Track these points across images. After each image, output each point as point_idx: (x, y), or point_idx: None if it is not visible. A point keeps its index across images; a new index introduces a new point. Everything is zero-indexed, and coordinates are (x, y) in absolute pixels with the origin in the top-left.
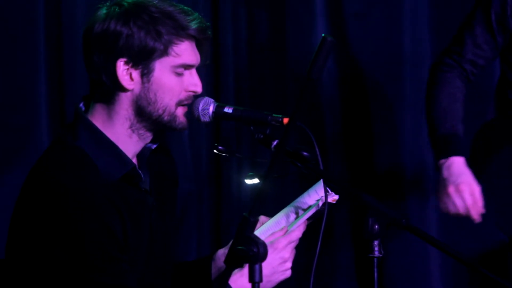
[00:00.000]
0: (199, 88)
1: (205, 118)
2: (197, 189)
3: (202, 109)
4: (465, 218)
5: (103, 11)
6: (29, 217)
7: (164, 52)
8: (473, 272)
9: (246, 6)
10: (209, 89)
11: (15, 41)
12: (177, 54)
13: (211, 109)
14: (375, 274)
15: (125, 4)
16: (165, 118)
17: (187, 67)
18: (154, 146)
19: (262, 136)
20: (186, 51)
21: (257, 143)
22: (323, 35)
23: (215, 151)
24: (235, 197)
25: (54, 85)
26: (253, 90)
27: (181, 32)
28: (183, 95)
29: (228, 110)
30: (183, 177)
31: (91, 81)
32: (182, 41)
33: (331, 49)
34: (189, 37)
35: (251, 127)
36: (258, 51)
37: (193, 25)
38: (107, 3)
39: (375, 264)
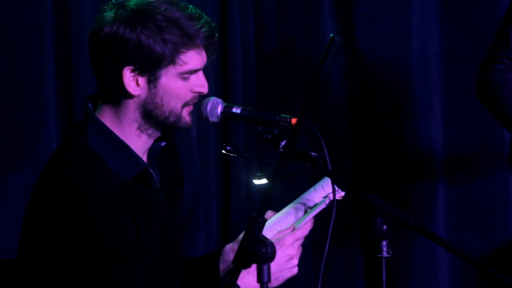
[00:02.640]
0: (205, 89)
1: (213, 119)
2: (205, 189)
3: (210, 110)
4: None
5: (111, 14)
6: (41, 217)
7: (171, 61)
8: (481, 272)
9: (254, 6)
10: (217, 89)
11: (23, 40)
12: (184, 62)
13: (219, 109)
14: (384, 275)
15: (131, 8)
16: (171, 119)
17: (193, 72)
18: (163, 143)
19: (270, 136)
20: (193, 59)
21: (265, 143)
22: (331, 35)
23: (223, 151)
24: (243, 197)
25: (62, 84)
26: (262, 90)
27: (188, 41)
28: (189, 96)
29: (236, 110)
30: (191, 177)
31: (98, 83)
32: (188, 50)
33: (339, 49)
34: (196, 45)
35: (259, 127)
36: (266, 51)
37: (201, 33)
38: (113, 1)
39: (384, 264)
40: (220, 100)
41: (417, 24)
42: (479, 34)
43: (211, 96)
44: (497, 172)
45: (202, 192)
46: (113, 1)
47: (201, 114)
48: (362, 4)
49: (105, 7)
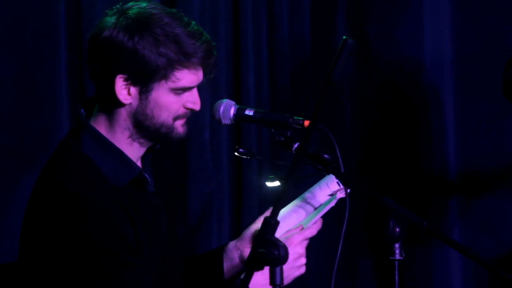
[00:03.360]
0: (197, 107)
1: (226, 121)
2: (217, 191)
3: (223, 112)
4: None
5: (112, 19)
6: (40, 226)
7: (164, 76)
8: (494, 275)
9: (267, 8)
10: (230, 91)
11: (35, 44)
12: (177, 79)
13: (232, 111)
14: (396, 277)
15: (133, 17)
16: (163, 130)
17: (186, 89)
18: (157, 146)
19: (283, 139)
20: (187, 76)
21: (278, 146)
22: (344, 37)
23: (236, 153)
24: (256, 200)
25: (75, 87)
26: (274, 93)
27: (184, 59)
28: (181, 111)
29: (249, 112)
30: (203, 179)
31: (95, 87)
32: (184, 67)
33: (352, 51)
34: (193, 63)
35: (272, 130)
36: (279, 53)
37: (198, 52)
38: (117, 6)
39: (396, 267)
40: (233, 103)
41: (429, 27)
42: (493, 37)
43: (223, 98)
44: (511, 174)
45: (215, 194)
46: (117, 6)
47: (214, 116)
48: (375, 6)
49: (108, 11)
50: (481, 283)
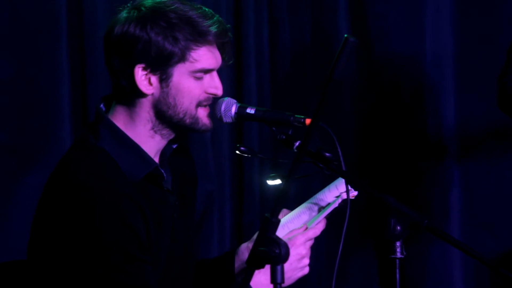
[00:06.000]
0: (219, 91)
1: (227, 119)
2: (219, 189)
3: (224, 110)
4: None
5: (123, 14)
6: (52, 217)
7: (182, 58)
8: (495, 274)
9: (268, 7)
10: (231, 90)
11: (37, 42)
12: (195, 59)
13: (233, 110)
14: (397, 275)
15: (144, 8)
16: (187, 121)
17: (206, 71)
18: (175, 145)
19: (284, 137)
20: (204, 56)
21: (279, 144)
22: (345, 35)
23: (237, 152)
24: (257, 198)
25: (76, 85)
26: (276, 91)
27: (199, 38)
28: (202, 96)
29: (250, 111)
30: (205, 177)
31: (112, 84)
32: (200, 46)
33: (353, 49)
34: (208, 42)
35: (273, 128)
36: (280, 52)
37: (212, 30)
38: (128, 5)
39: (397, 265)
40: (234, 101)
41: (430, 25)
42: (493, 35)
43: (225, 97)
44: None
45: (216, 193)
46: (128, 4)
47: (215, 114)
48: (376, 5)
49: (120, 9)
50: (482, 281)
